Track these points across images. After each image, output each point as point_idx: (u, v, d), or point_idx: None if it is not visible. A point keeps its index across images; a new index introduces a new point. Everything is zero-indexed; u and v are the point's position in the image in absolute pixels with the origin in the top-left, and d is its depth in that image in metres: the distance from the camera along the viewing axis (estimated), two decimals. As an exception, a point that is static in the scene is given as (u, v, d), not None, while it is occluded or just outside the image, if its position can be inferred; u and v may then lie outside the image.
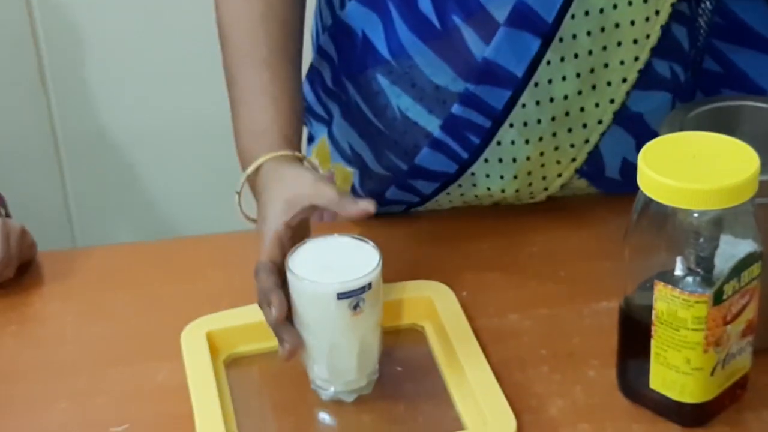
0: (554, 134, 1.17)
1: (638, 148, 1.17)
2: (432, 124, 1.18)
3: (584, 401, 1.01)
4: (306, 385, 1.02)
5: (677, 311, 0.92)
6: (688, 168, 0.91)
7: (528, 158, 1.18)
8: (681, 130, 1.01)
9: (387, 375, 1.03)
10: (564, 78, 1.13)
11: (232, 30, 1.15)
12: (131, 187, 2.25)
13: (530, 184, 1.21)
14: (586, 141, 1.17)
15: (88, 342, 1.10)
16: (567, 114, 1.15)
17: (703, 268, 0.93)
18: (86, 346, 1.10)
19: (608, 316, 1.05)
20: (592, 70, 1.13)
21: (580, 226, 1.24)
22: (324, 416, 1.01)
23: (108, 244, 1.53)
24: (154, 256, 1.24)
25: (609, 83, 1.13)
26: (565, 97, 1.14)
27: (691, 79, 1.17)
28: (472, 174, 1.20)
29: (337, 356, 0.99)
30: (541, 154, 1.18)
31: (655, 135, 1.18)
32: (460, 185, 1.22)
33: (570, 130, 1.17)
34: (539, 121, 1.15)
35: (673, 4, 1.09)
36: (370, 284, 0.96)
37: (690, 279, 0.93)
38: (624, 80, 1.13)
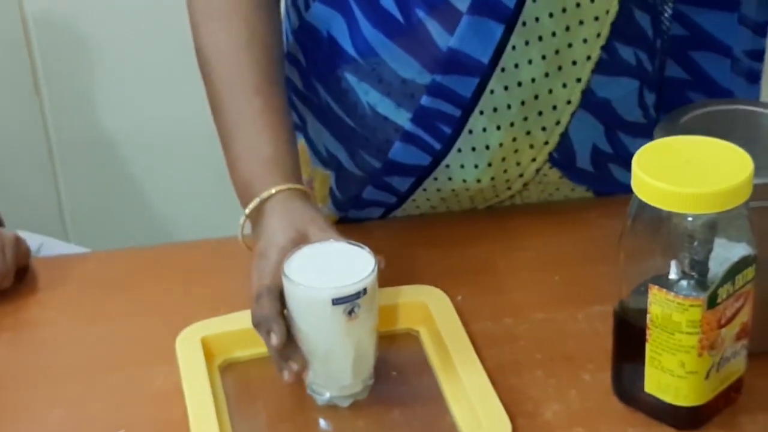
0: (525, 118, 1.18)
1: (607, 135, 1.19)
2: (402, 118, 1.18)
3: (579, 405, 1.01)
4: (302, 390, 1.02)
5: (672, 315, 0.92)
6: (682, 172, 0.91)
7: (501, 144, 1.19)
8: (675, 134, 1.01)
9: (382, 380, 1.03)
10: (530, 61, 1.14)
11: (217, 58, 1.15)
12: (125, 191, 2.25)
13: (505, 171, 1.22)
14: (557, 122, 1.19)
15: (84, 348, 1.10)
16: (536, 97, 1.16)
17: (698, 272, 0.93)
18: (82, 352, 1.09)
19: (603, 320, 1.05)
20: (557, 52, 1.14)
21: (574, 229, 1.24)
22: (319, 421, 1.01)
23: (102, 248, 1.53)
24: (149, 262, 1.24)
25: (574, 62, 1.15)
26: (533, 80, 1.15)
27: (658, 68, 1.19)
28: (447, 166, 1.21)
29: (333, 361, 0.99)
30: (514, 139, 1.19)
31: (623, 122, 1.19)
32: (435, 178, 1.22)
33: (540, 113, 1.18)
34: (509, 107, 1.16)
35: None
36: (365, 290, 0.96)
37: (684, 282, 0.93)
38: (588, 58, 1.15)
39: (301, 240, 1.02)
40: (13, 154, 2.14)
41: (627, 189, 1.15)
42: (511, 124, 1.18)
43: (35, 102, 2.16)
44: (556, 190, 1.27)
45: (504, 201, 1.27)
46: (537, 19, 1.10)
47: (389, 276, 1.08)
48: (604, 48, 1.15)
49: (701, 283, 0.93)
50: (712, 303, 0.91)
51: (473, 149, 1.19)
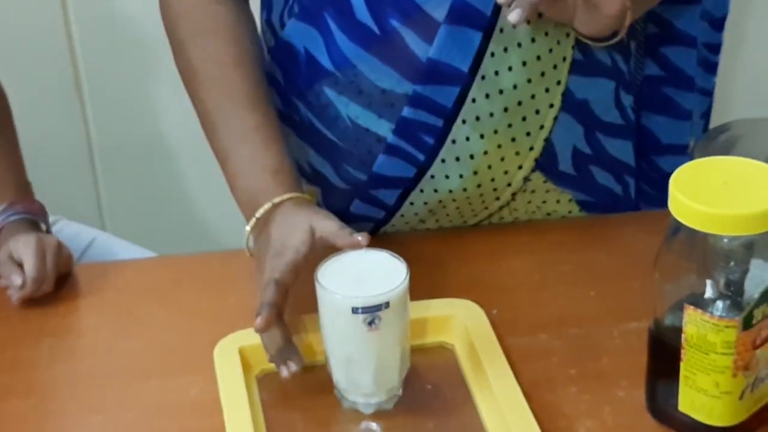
0: (509, 125, 1.18)
1: (586, 136, 1.21)
2: (383, 129, 1.19)
3: (613, 422, 1.01)
4: (338, 402, 1.03)
5: (707, 335, 0.92)
6: (719, 193, 0.91)
7: (485, 152, 1.20)
8: (712, 153, 1.01)
9: (417, 392, 1.04)
10: (510, 68, 1.15)
11: (208, 73, 1.17)
12: (166, 194, 2.26)
13: (492, 180, 1.22)
14: (541, 127, 1.19)
15: (122, 355, 1.12)
16: (519, 103, 1.17)
17: (734, 292, 0.94)
18: (120, 360, 1.11)
19: (638, 337, 1.05)
20: (538, 57, 1.15)
21: (610, 243, 1.25)
22: (355, 433, 1.03)
23: (141, 251, 1.55)
24: (187, 270, 1.25)
25: (555, 66, 1.16)
26: (515, 87, 1.16)
27: (635, 68, 1.21)
28: (432, 177, 1.21)
29: (354, 368, 1.00)
30: (498, 146, 1.19)
31: (601, 123, 1.20)
32: (421, 190, 1.23)
33: (524, 119, 1.18)
34: (492, 114, 1.17)
35: None
36: (387, 303, 0.97)
37: (720, 303, 0.93)
38: (564, 59, 1.16)
39: (310, 238, 1.04)
40: (54, 157, 2.16)
41: (608, 193, 1.23)
42: (495, 132, 1.18)
43: (77, 104, 2.18)
44: (543, 203, 1.27)
45: (493, 214, 1.27)
46: (514, 26, 1.09)
47: (424, 288, 1.10)
48: (579, 49, 1.16)
49: (737, 303, 0.93)
50: (747, 324, 0.91)
51: (457, 159, 1.20)
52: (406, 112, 1.17)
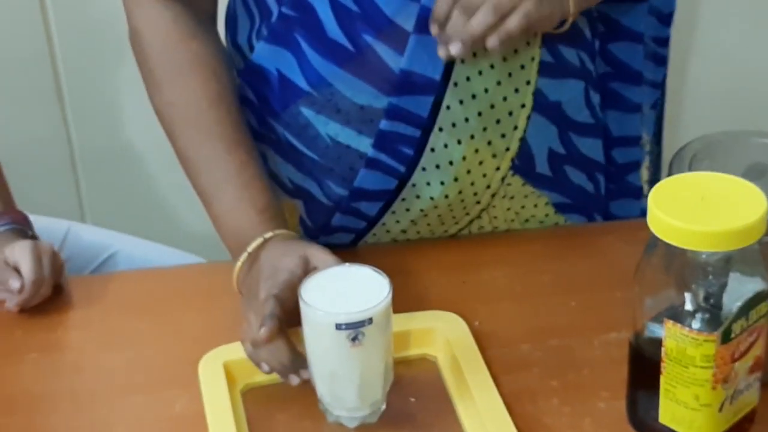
0: (484, 129, 1.20)
1: (560, 136, 1.24)
2: (363, 144, 1.20)
3: (594, 434, 1.02)
4: (323, 416, 1.04)
5: (686, 349, 0.93)
6: (697, 209, 0.92)
7: (464, 158, 1.21)
8: (689, 167, 1.02)
9: (400, 405, 1.05)
10: (480, 72, 1.17)
11: (187, 115, 1.18)
12: (148, 200, 2.27)
13: (472, 184, 1.23)
14: (515, 127, 1.21)
15: (107, 371, 1.12)
16: (492, 106, 1.19)
17: (712, 305, 0.95)
18: (104, 375, 1.11)
19: (618, 347, 1.06)
20: (504, 59, 1.17)
21: (590, 254, 1.26)
22: (339, 447, 1.03)
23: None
24: (173, 282, 1.26)
25: (522, 66, 1.18)
26: (486, 91, 1.18)
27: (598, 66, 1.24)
28: (413, 185, 1.23)
29: (337, 383, 1.01)
30: (476, 150, 1.21)
31: (573, 123, 1.24)
32: (403, 199, 1.24)
33: (498, 121, 1.20)
34: (467, 120, 1.19)
35: None
36: (371, 319, 0.97)
37: (699, 316, 0.95)
38: (533, 59, 1.18)
39: (305, 264, 1.05)
40: (35, 163, 2.16)
41: (581, 193, 1.26)
42: (472, 137, 1.20)
43: (58, 110, 2.18)
44: (522, 208, 1.28)
45: (473, 221, 1.28)
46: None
47: (406, 301, 1.10)
48: (548, 50, 1.18)
49: (715, 316, 0.94)
50: (725, 338, 0.93)
51: (437, 167, 1.21)
52: (384, 125, 1.18)
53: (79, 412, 1.07)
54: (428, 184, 1.22)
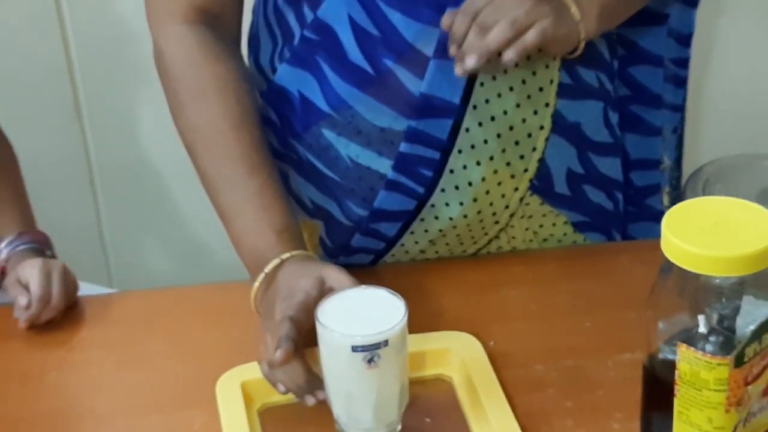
0: (503, 150, 1.21)
1: (579, 157, 1.25)
2: (384, 166, 1.21)
3: (608, 455, 1.03)
4: (338, 436, 1.05)
5: (700, 372, 0.94)
6: (710, 234, 0.93)
7: (483, 179, 1.22)
8: (703, 190, 1.03)
9: (416, 425, 1.06)
10: (499, 95, 1.18)
11: (210, 137, 1.19)
12: (167, 217, 2.27)
13: (491, 204, 1.24)
14: (534, 149, 1.22)
15: (125, 390, 1.13)
16: (511, 128, 1.20)
17: (726, 328, 0.95)
18: (123, 394, 1.13)
19: (633, 368, 1.06)
20: (523, 81, 1.18)
21: (605, 274, 1.27)
22: (355, 466, 1.04)
23: (143, 274, 1.56)
24: (190, 301, 1.27)
25: (541, 89, 1.19)
26: (505, 113, 1.19)
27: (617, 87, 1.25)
28: (432, 206, 1.24)
29: (353, 404, 1.02)
30: (495, 171, 1.22)
31: (592, 143, 1.24)
32: (422, 219, 1.25)
33: (517, 143, 1.21)
34: (486, 141, 1.20)
35: None
36: (386, 341, 0.98)
37: (713, 339, 0.95)
38: (551, 81, 1.19)
39: (320, 285, 1.06)
40: (53, 180, 2.17)
41: (600, 211, 1.26)
42: (491, 158, 1.21)
43: (77, 127, 2.19)
44: (540, 227, 1.29)
45: (492, 241, 1.29)
46: (499, 54, 1.11)
47: (422, 320, 1.11)
48: (567, 72, 1.19)
49: (729, 339, 0.95)
50: (739, 362, 0.93)
51: (456, 188, 1.22)
52: (404, 147, 1.19)
53: (99, 431, 1.08)
54: (447, 204, 1.23)
